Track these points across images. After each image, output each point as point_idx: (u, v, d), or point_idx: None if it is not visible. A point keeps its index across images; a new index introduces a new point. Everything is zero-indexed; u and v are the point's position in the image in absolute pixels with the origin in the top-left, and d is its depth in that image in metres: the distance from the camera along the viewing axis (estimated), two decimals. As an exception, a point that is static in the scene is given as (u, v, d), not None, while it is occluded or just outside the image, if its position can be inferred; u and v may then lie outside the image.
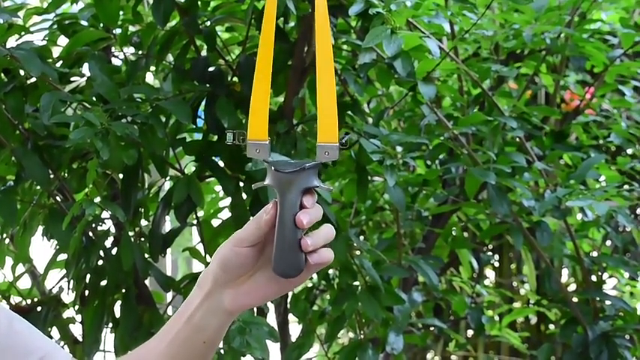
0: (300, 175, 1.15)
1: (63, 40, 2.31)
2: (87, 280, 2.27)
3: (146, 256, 2.26)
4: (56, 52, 2.28)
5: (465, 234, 2.90)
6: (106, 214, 2.21)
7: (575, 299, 2.50)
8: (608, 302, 2.45)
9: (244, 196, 2.22)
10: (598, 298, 2.47)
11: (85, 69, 2.23)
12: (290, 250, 1.14)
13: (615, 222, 2.32)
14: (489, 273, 3.72)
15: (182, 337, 1.22)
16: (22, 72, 2.15)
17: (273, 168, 1.15)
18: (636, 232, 2.64)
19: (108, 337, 2.32)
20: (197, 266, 2.63)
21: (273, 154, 1.19)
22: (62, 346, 2.12)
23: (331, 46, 1.19)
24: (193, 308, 1.21)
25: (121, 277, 2.22)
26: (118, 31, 2.31)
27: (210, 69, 2.22)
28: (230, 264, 1.18)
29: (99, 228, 2.23)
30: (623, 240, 2.51)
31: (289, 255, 1.15)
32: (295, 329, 2.51)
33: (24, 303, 2.41)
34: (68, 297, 2.35)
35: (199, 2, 2.23)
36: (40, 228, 2.24)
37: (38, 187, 2.21)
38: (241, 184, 2.20)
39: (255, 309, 2.16)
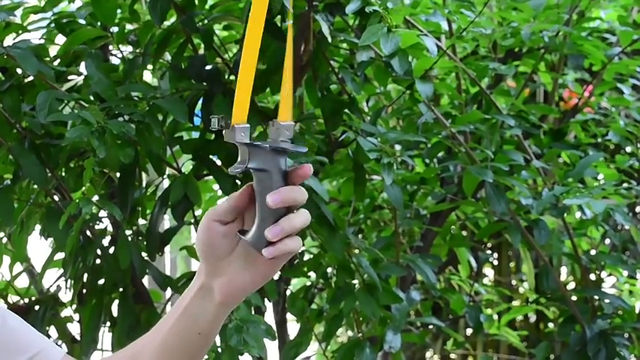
0: (280, 155, 1.15)
1: (61, 39, 2.31)
2: (84, 279, 2.26)
3: (144, 254, 2.26)
4: (54, 50, 2.28)
5: (464, 232, 2.90)
6: (103, 213, 2.21)
7: (573, 298, 2.49)
8: (606, 301, 2.45)
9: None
10: (596, 297, 2.47)
11: (83, 67, 2.23)
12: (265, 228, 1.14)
13: (614, 220, 2.31)
14: (488, 271, 3.72)
15: (178, 329, 1.22)
16: (19, 71, 2.15)
17: (257, 144, 1.15)
18: (634, 231, 2.64)
19: (106, 336, 2.32)
20: (195, 265, 2.62)
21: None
22: (60, 345, 2.12)
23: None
24: (187, 301, 1.22)
25: (118, 276, 2.22)
26: (116, 29, 2.31)
27: (208, 67, 2.22)
28: (205, 244, 1.18)
29: (96, 227, 2.23)
30: (621, 238, 2.50)
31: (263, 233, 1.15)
32: (294, 328, 2.51)
33: (22, 302, 2.41)
34: (66, 296, 2.35)
35: (196, 0, 2.23)
36: (38, 227, 2.24)
37: (35, 186, 2.20)
38: (238, 182, 2.20)
39: (252, 308, 2.16)
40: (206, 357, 2.07)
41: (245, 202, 1.17)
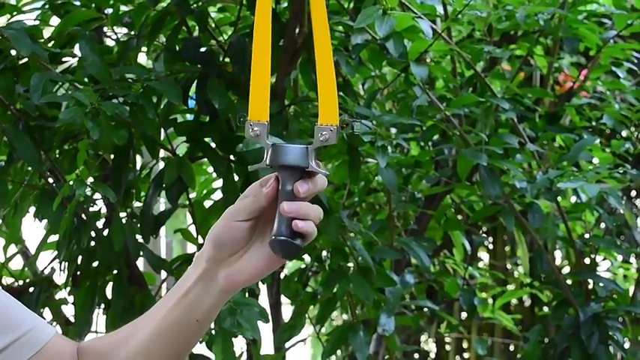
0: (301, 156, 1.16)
1: (55, 20, 2.30)
2: (78, 261, 2.26)
3: (138, 237, 2.26)
4: (48, 32, 2.27)
5: (459, 216, 2.89)
6: (97, 195, 2.20)
7: (568, 281, 2.50)
8: (600, 284, 2.45)
9: (236, 177, 2.22)
10: (590, 280, 2.48)
11: (77, 49, 2.22)
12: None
13: (608, 204, 2.31)
14: (483, 255, 3.72)
15: (175, 315, 1.22)
16: (13, 52, 2.14)
17: (273, 144, 1.16)
18: (629, 215, 2.64)
19: (100, 318, 2.32)
20: (191, 248, 2.63)
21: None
22: (54, 326, 2.12)
23: (328, 27, 1.18)
24: (188, 286, 1.22)
25: (112, 259, 2.22)
26: (110, 11, 2.30)
27: (202, 50, 2.22)
28: (223, 241, 1.19)
29: (90, 209, 2.23)
30: (615, 222, 2.50)
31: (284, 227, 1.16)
32: (288, 310, 2.51)
33: (16, 284, 2.41)
34: (60, 278, 2.35)
35: (191, -18, 2.23)
36: (32, 209, 2.23)
37: (29, 168, 2.20)
38: (233, 165, 2.20)
39: (247, 290, 2.16)
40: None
41: (269, 203, 1.17)
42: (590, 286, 2.48)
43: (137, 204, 2.33)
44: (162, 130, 2.27)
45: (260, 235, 1.20)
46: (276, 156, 1.16)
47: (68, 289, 2.32)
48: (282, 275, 2.47)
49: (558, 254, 3.50)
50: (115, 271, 2.26)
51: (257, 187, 1.18)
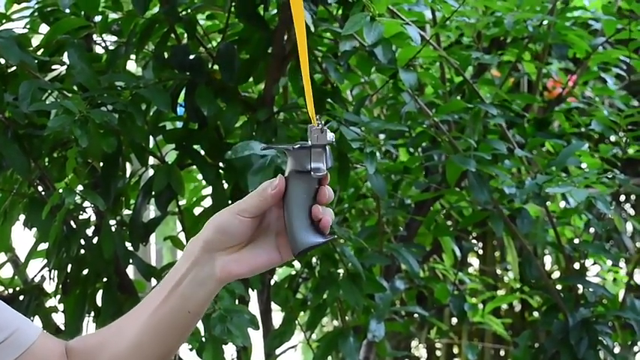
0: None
1: (44, 28, 2.30)
2: (68, 269, 2.26)
3: (128, 244, 2.26)
4: (37, 40, 2.27)
5: (448, 222, 2.90)
6: (87, 203, 2.20)
7: (558, 286, 2.50)
8: (589, 289, 2.45)
9: (225, 184, 2.22)
10: (580, 285, 2.48)
11: (66, 57, 2.22)
12: (302, 227, 1.19)
13: (597, 209, 2.32)
14: (473, 261, 3.73)
15: (166, 307, 1.22)
16: (2, 60, 2.14)
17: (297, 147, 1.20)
18: (617, 219, 2.65)
19: (90, 326, 2.32)
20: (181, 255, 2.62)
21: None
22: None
23: (305, 33, 1.20)
24: (178, 278, 1.22)
25: (102, 266, 2.22)
26: (99, 18, 2.30)
27: (191, 57, 2.22)
28: (230, 228, 1.20)
29: (80, 217, 2.23)
30: (604, 227, 2.51)
31: (304, 231, 1.19)
32: (278, 317, 2.51)
33: (6, 292, 2.40)
34: (50, 286, 2.34)
35: (179, -10, 2.23)
36: (22, 217, 2.23)
37: (19, 176, 2.20)
38: (222, 172, 2.20)
39: (237, 297, 2.16)
40: (190, 346, 2.07)
41: (276, 202, 1.20)
42: (580, 291, 2.48)
43: (127, 211, 2.33)
44: (151, 137, 2.28)
45: (263, 230, 1.22)
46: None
47: (58, 297, 2.32)
48: (272, 282, 2.47)
49: (548, 259, 3.51)
50: (105, 279, 2.26)
51: (267, 185, 1.20)
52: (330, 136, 1.19)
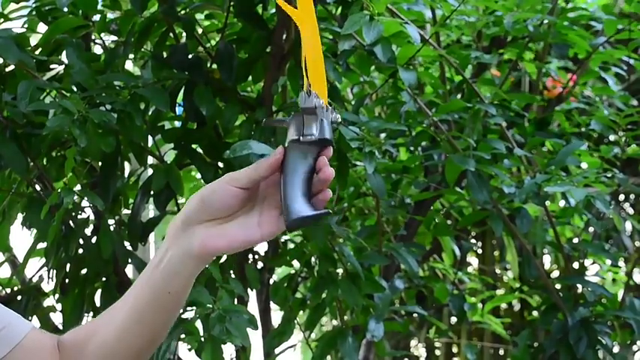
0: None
1: (42, 28, 2.30)
2: (67, 269, 2.26)
3: (126, 244, 2.25)
4: (35, 39, 2.27)
5: (448, 221, 2.90)
6: (85, 203, 2.20)
7: (557, 286, 2.50)
8: (588, 289, 2.45)
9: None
10: (579, 285, 2.48)
11: (64, 56, 2.22)
12: (297, 197, 1.17)
13: (597, 209, 2.32)
14: (472, 260, 3.73)
15: (148, 289, 1.21)
16: (0, 60, 2.14)
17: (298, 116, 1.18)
18: (617, 219, 2.64)
19: (88, 326, 2.31)
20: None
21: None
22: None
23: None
24: (160, 256, 1.20)
25: (100, 266, 2.22)
26: (97, 18, 2.30)
27: (189, 56, 2.21)
28: (213, 200, 1.18)
29: (78, 216, 2.22)
30: (603, 226, 2.51)
31: (299, 200, 1.17)
32: (277, 317, 2.51)
33: (4, 292, 2.40)
34: (48, 286, 2.34)
35: (178, -11, 2.23)
36: (20, 216, 2.23)
37: (17, 176, 2.20)
38: (220, 171, 2.20)
39: (236, 297, 2.16)
40: (189, 346, 2.07)
41: (271, 174, 1.18)
42: (579, 291, 2.48)
43: (125, 211, 2.32)
44: (149, 137, 2.27)
45: (251, 206, 1.19)
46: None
47: (56, 296, 2.32)
48: (271, 281, 2.47)
49: (547, 259, 3.51)
50: (104, 279, 2.26)
51: (265, 159, 1.18)
52: (319, 102, 1.18)
